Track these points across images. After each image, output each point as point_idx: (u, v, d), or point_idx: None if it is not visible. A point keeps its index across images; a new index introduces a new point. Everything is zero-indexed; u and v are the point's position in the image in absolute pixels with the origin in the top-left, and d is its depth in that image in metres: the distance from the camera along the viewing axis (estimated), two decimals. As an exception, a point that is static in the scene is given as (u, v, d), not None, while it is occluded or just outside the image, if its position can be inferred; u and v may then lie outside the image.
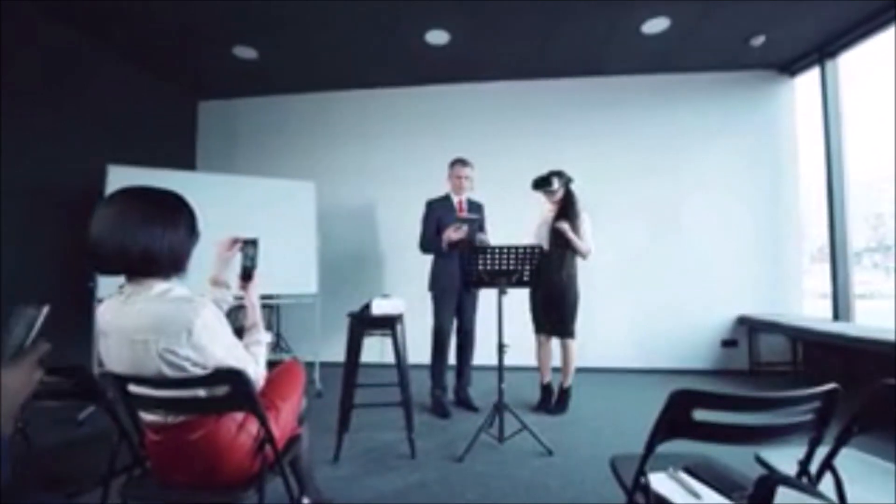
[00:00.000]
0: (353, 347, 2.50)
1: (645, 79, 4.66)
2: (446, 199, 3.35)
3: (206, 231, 1.32)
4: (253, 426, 1.28)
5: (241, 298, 1.52)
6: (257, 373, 1.28)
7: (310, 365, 4.03)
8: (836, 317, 4.00)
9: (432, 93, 4.93)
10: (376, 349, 3.89)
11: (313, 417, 3.04)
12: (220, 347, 1.18)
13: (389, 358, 2.55)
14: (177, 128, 5.06)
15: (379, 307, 2.47)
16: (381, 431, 2.79)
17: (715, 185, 4.55)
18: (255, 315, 1.45)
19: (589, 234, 3.19)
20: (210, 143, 5.27)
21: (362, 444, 2.61)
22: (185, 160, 5.07)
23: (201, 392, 1.20)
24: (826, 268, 4.32)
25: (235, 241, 1.54)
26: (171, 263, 1.22)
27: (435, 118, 4.91)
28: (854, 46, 3.87)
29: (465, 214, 3.14)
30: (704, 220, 4.53)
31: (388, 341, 2.51)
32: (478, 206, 3.40)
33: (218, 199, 3.62)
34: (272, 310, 4.74)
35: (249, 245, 1.57)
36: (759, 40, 3.92)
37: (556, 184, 3.18)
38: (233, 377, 1.19)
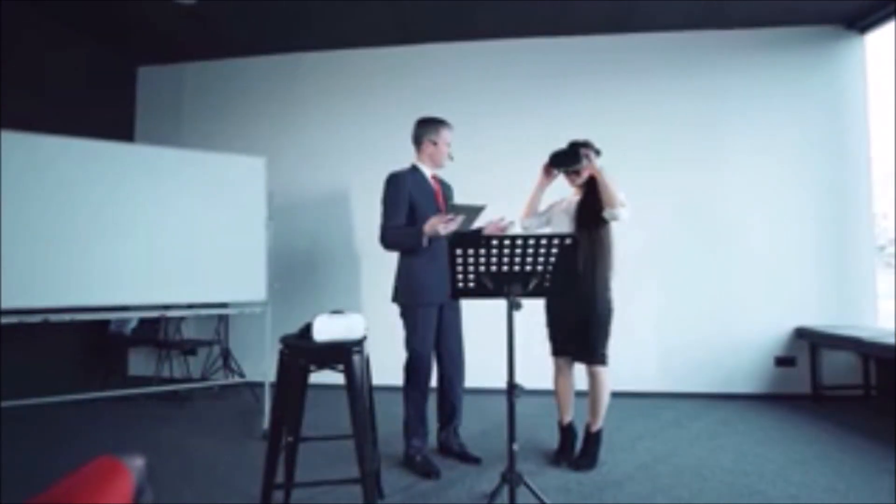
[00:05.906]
0: (285, 395, 1.61)
1: (681, 37, 3.79)
2: (415, 172, 2.44)
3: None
4: None
5: None
6: None
7: (259, 386, 3.17)
8: (928, 330, 3.17)
9: (421, 52, 4.03)
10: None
11: (253, 473, 2.19)
12: None
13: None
14: (108, 93, 4.16)
15: (322, 331, 1.58)
16: (334, 500, 1.92)
17: (765, 168, 3.68)
18: None
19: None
20: (154, 112, 4.36)
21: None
22: (121, 130, 4.16)
23: None
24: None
25: None
26: None
27: (426, 84, 3.99)
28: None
29: (463, 203, 2.24)
30: (752, 210, 3.66)
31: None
32: (449, 188, 2.58)
33: (144, 177, 2.80)
34: (221, 321, 3.84)
35: None
36: (832, -21, 3.09)
37: (584, 160, 2.33)
38: None
